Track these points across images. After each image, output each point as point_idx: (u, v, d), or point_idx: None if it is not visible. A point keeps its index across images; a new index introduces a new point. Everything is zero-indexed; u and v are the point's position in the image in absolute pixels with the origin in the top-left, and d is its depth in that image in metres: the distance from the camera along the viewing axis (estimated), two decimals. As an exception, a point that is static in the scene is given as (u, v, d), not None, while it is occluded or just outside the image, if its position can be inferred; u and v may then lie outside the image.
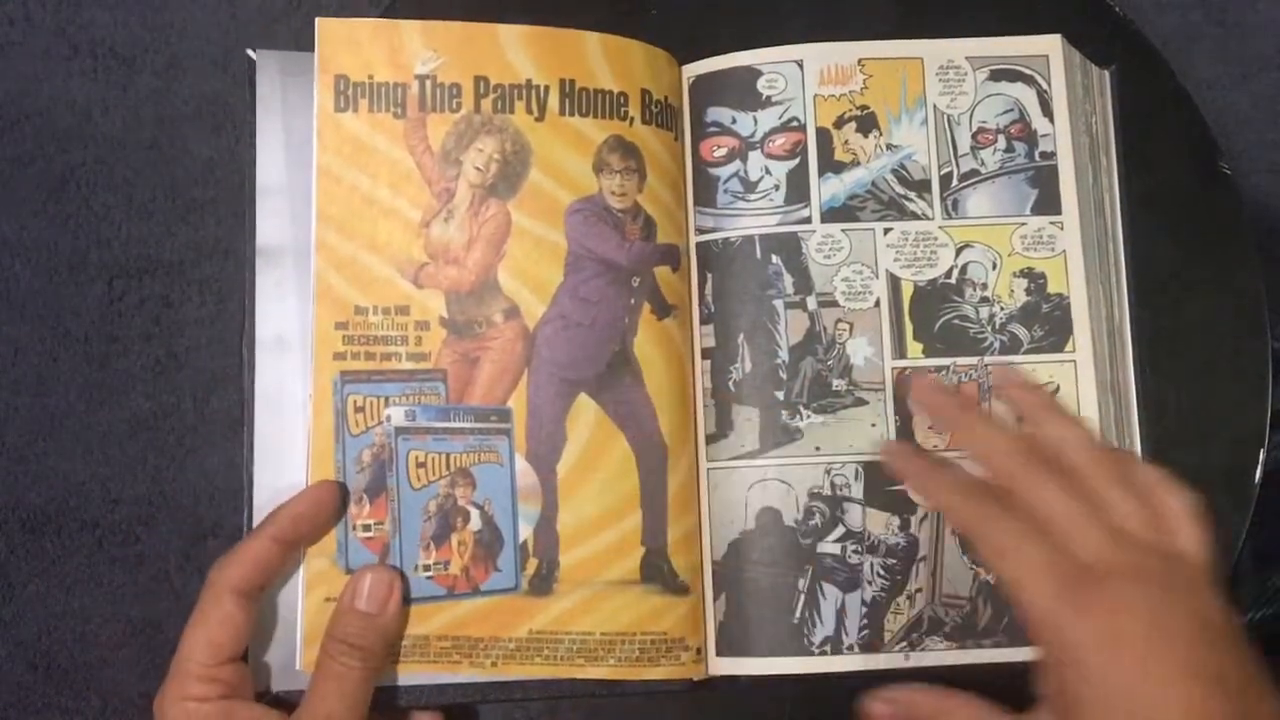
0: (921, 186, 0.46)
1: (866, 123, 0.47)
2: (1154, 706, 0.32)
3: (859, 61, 0.47)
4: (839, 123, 0.47)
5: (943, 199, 0.46)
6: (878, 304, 0.46)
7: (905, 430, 0.45)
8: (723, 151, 0.47)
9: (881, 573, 0.44)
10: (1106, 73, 0.49)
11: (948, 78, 0.47)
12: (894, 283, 0.46)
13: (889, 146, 0.46)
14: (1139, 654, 0.33)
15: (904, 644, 0.44)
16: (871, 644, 0.44)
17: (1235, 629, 0.34)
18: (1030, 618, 0.35)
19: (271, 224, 0.45)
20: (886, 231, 0.46)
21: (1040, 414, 0.41)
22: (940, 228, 0.46)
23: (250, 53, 0.45)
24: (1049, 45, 0.47)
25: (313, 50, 0.44)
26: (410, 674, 0.43)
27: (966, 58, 0.47)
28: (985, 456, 0.40)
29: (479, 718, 0.44)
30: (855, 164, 0.46)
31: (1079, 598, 0.34)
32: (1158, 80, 0.49)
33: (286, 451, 0.43)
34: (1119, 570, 0.34)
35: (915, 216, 0.46)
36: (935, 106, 0.47)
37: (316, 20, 0.44)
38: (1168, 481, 0.37)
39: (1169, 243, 0.47)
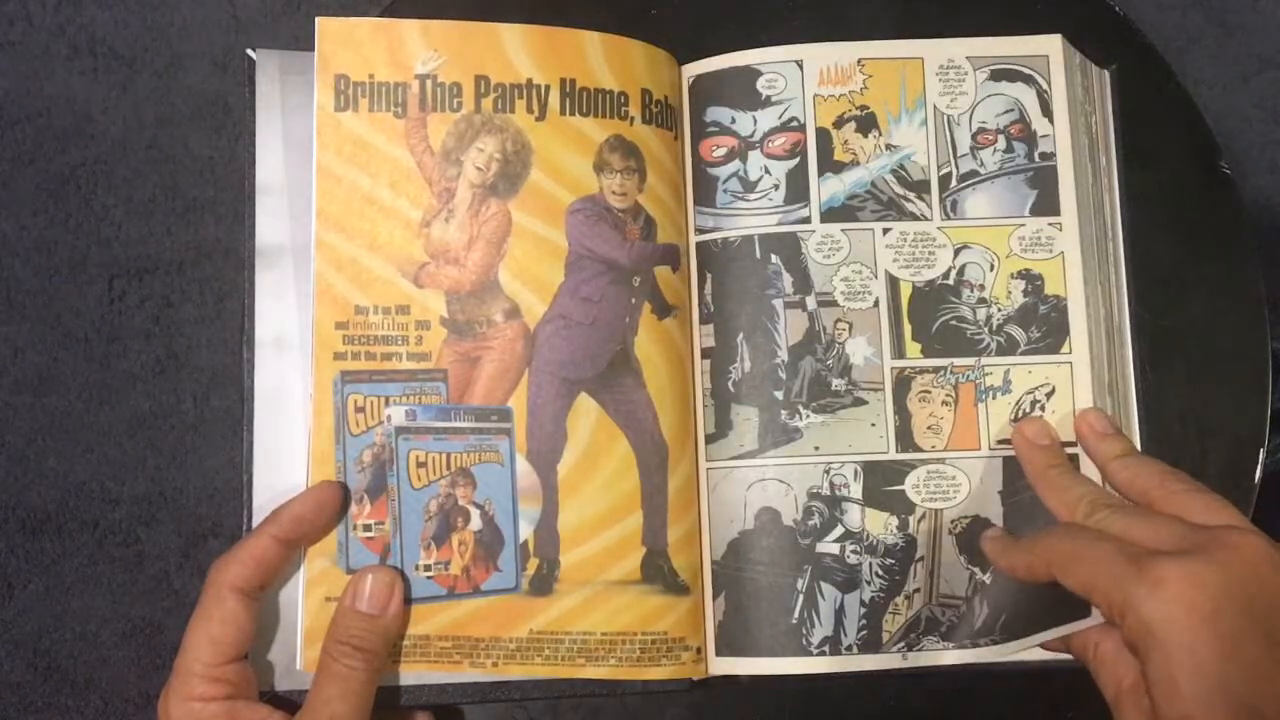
0: (920, 187, 0.46)
1: (866, 123, 0.47)
2: (1247, 672, 0.32)
3: (859, 61, 0.47)
4: (838, 123, 0.47)
5: (941, 200, 0.46)
6: (876, 304, 0.46)
7: (905, 430, 0.45)
8: (722, 151, 0.47)
9: (880, 573, 0.44)
10: (1106, 73, 0.49)
11: (948, 78, 0.47)
12: (893, 283, 0.46)
13: (888, 147, 0.46)
14: (1223, 623, 0.33)
15: (902, 644, 0.44)
16: (870, 644, 0.44)
17: None
18: (1108, 612, 0.35)
19: (271, 224, 0.45)
20: (885, 232, 0.46)
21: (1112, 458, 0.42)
22: (939, 229, 0.46)
23: (250, 52, 0.45)
24: (1049, 45, 0.47)
25: (313, 50, 0.44)
26: (411, 673, 0.43)
27: (966, 58, 0.47)
28: (1068, 507, 0.41)
29: (479, 718, 0.44)
30: (855, 164, 0.46)
31: (1151, 573, 0.34)
32: (1158, 80, 0.49)
33: (287, 451, 0.43)
34: (1187, 549, 0.35)
35: (914, 217, 0.46)
36: (935, 107, 0.47)
37: (316, 19, 0.44)
38: (1231, 509, 0.38)
39: (1169, 243, 0.47)
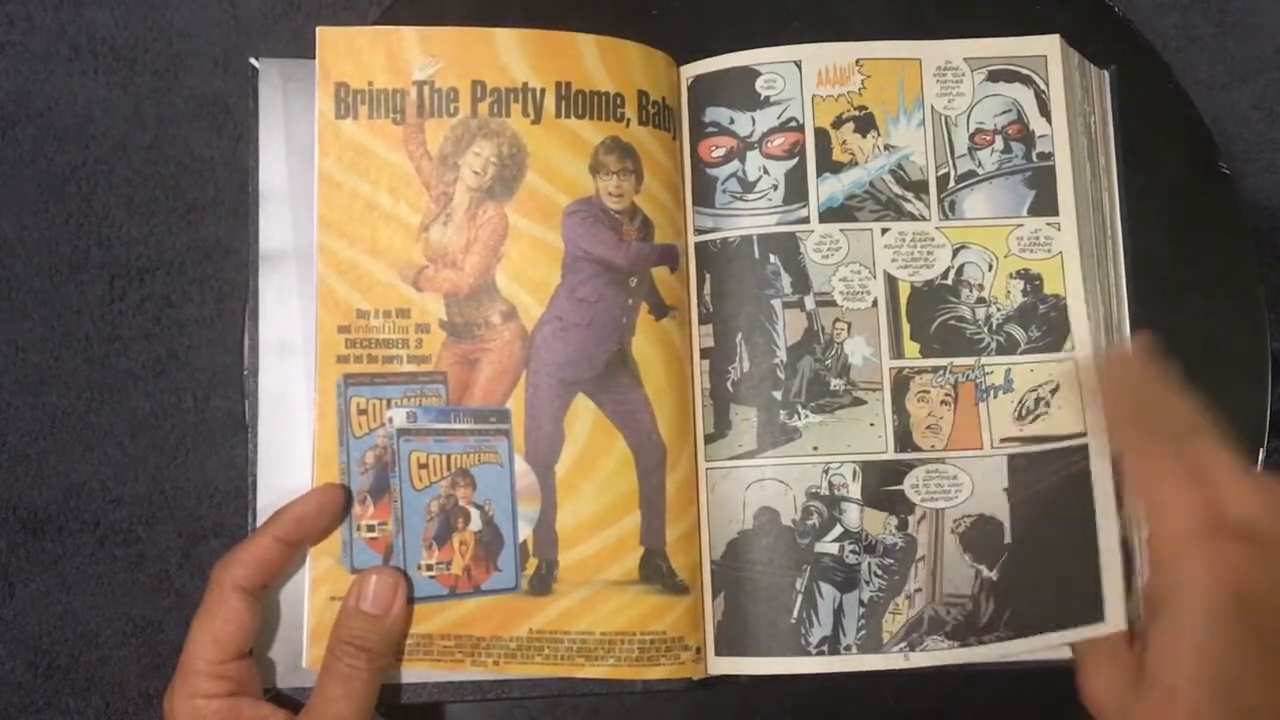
0: (919, 187, 0.46)
1: (864, 123, 0.47)
2: (1246, 672, 0.32)
3: (857, 62, 0.47)
4: (837, 123, 0.47)
5: (940, 200, 0.46)
6: (875, 304, 0.46)
7: (903, 429, 0.45)
8: (721, 152, 0.47)
9: (879, 573, 0.44)
10: (1106, 73, 0.49)
11: (945, 79, 0.47)
12: (891, 283, 0.46)
13: (887, 147, 0.47)
14: (1249, 621, 0.33)
15: (904, 644, 0.44)
16: (869, 644, 0.44)
17: None
18: (1156, 547, 0.35)
19: (274, 229, 0.45)
20: (884, 232, 0.46)
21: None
22: (937, 229, 0.46)
23: (253, 61, 0.45)
24: (1047, 45, 0.47)
25: (313, 56, 0.44)
26: (414, 672, 0.43)
27: (964, 58, 0.47)
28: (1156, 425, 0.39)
29: (479, 717, 0.45)
30: (853, 164, 0.46)
31: (1211, 547, 0.34)
32: (1157, 81, 0.49)
33: (290, 453, 0.44)
34: (1261, 538, 0.34)
35: (912, 217, 0.46)
36: (933, 108, 0.47)
37: (317, 29, 0.44)
38: None
39: (1168, 243, 0.48)
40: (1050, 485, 0.44)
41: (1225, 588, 0.33)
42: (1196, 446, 0.37)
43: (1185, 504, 0.35)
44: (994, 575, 0.44)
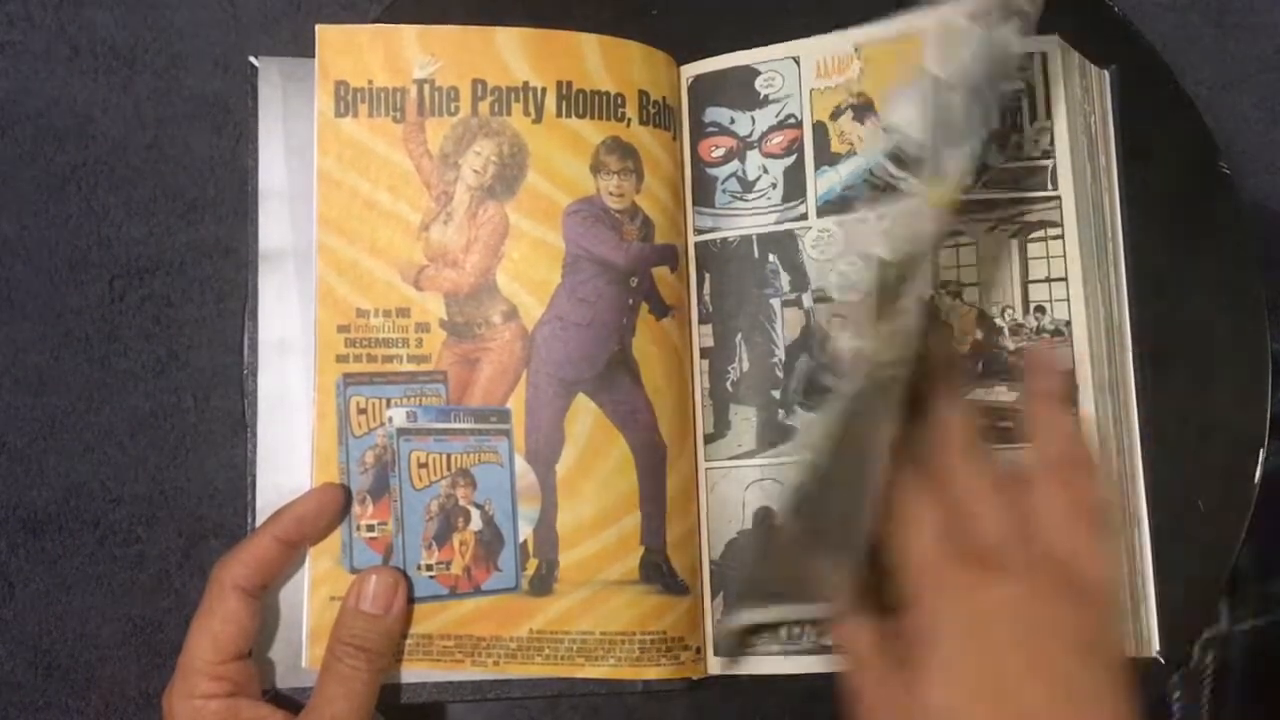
0: (918, 165, 0.46)
1: (863, 110, 0.46)
2: (993, 698, 0.33)
3: (855, 49, 0.46)
4: (835, 114, 0.46)
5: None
6: (869, 295, 0.45)
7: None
8: (721, 151, 0.47)
9: (880, 573, 0.44)
10: (1106, 73, 0.49)
11: (949, 44, 0.46)
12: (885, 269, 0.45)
13: (886, 129, 0.46)
14: (993, 649, 0.33)
15: (903, 644, 0.44)
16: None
17: (1112, 661, 0.34)
18: (907, 576, 0.35)
19: (274, 228, 0.45)
20: (880, 218, 0.45)
21: (1039, 411, 0.40)
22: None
23: (253, 60, 0.45)
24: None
25: (313, 55, 0.44)
26: (414, 672, 0.43)
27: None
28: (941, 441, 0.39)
29: (479, 717, 0.44)
30: (851, 154, 0.46)
31: (959, 576, 0.34)
32: (1157, 81, 0.49)
33: (289, 453, 0.44)
34: (1008, 565, 0.35)
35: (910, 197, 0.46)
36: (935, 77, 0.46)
37: (317, 27, 0.44)
38: (1102, 513, 0.37)
39: (1169, 243, 0.47)
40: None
41: (970, 622, 0.34)
42: (951, 463, 0.37)
43: (930, 526, 0.36)
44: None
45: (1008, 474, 0.37)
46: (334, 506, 0.42)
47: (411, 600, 0.43)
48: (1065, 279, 0.45)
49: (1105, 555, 0.36)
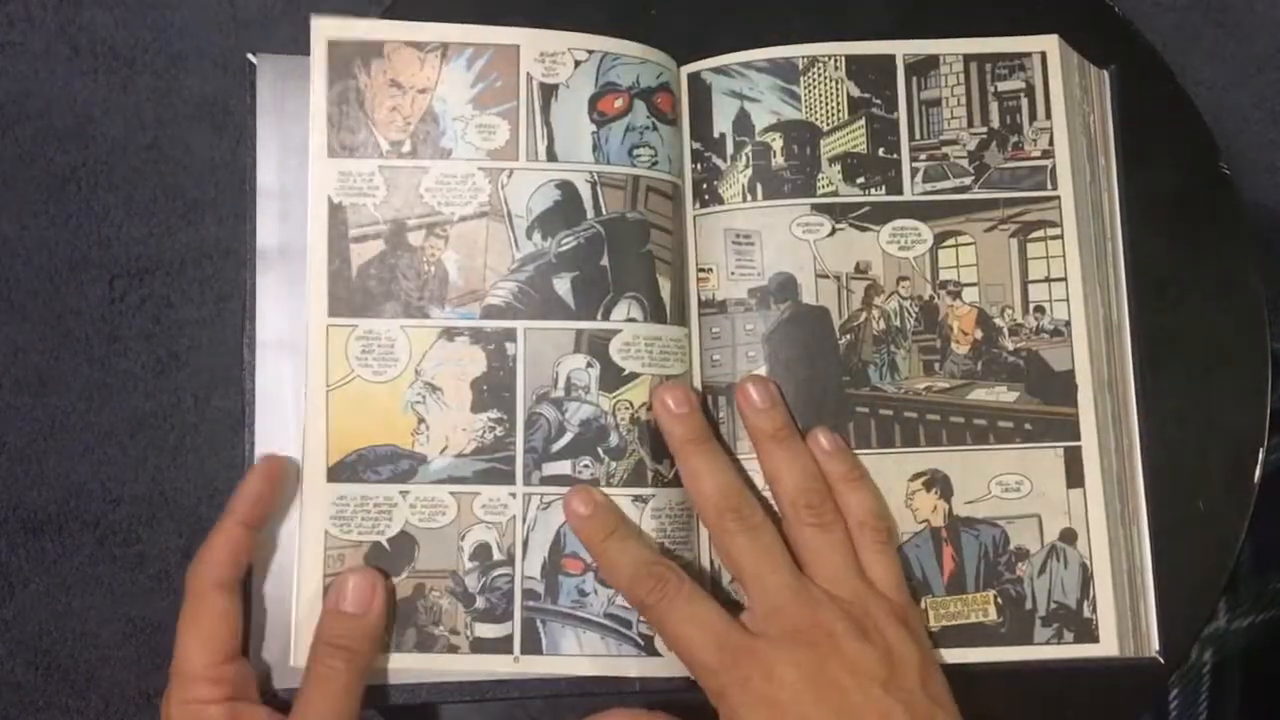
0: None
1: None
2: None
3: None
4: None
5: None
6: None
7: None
8: (721, 152, 0.47)
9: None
10: (1105, 73, 0.49)
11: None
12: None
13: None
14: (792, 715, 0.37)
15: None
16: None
17: (917, 681, 0.38)
18: (700, 682, 0.39)
19: (271, 226, 0.45)
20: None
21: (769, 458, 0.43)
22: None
23: (250, 56, 0.45)
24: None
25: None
26: (408, 672, 0.43)
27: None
28: (698, 497, 0.42)
29: (479, 718, 0.44)
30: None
31: (737, 670, 0.38)
32: (1157, 80, 0.49)
33: (286, 452, 0.43)
34: (774, 633, 0.38)
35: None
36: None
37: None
38: (885, 535, 0.41)
39: (1168, 243, 0.47)
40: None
41: (766, 702, 0.37)
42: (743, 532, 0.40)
43: (703, 639, 0.39)
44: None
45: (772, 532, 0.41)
46: (280, 474, 0.42)
47: (391, 598, 0.42)
48: (1065, 279, 0.45)
49: (887, 585, 0.40)
